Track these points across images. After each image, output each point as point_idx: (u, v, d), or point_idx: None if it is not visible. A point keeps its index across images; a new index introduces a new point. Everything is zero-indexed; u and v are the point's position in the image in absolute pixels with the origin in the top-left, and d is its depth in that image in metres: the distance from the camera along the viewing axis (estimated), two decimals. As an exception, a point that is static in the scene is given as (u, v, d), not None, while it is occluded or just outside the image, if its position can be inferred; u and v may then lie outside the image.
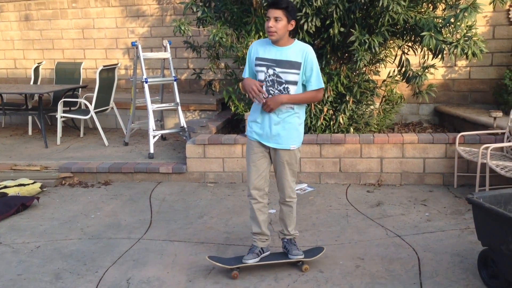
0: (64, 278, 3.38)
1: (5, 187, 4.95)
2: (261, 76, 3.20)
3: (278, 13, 3.06)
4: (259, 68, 3.21)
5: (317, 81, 3.20)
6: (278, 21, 3.07)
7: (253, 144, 3.32)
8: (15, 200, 4.67)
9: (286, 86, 3.16)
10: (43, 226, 4.30)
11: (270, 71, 3.17)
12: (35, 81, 7.77)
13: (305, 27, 5.16)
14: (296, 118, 3.25)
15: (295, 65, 3.14)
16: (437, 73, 6.60)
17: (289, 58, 3.14)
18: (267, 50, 3.19)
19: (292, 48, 3.16)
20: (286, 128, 3.23)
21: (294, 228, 3.45)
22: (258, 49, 3.24)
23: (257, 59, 3.22)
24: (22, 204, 4.65)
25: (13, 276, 3.41)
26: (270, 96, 3.18)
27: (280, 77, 3.15)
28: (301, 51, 3.15)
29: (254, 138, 3.31)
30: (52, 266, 3.56)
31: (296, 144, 3.28)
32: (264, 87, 3.18)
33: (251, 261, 3.33)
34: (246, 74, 3.34)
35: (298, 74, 3.15)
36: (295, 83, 3.16)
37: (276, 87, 3.17)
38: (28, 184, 5.03)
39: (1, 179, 5.28)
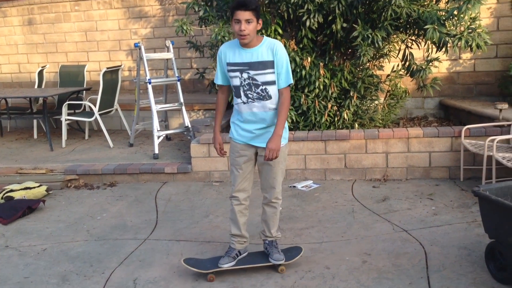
0: (71, 280, 3.39)
1: (11, 190, 4.97)
2: (236, 82, 3.10)
3: (248, 15, 2.92)
4: (232, 74, 3.10)
5: (286, 77, 3.07)
6: (249, 23, 2.94)
7: (237, 146, 3.23)
8: (21, 203, 4.69)
9: (264, 87, 3.06)
10: (49, 229, 4.31)
11: (245, 75, 3.07)
12: (40, 85, 7.80)
13: (308, 23, 5.15)
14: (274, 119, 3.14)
15: (268, 65, 3.03)
16: (442, 66, 6.56)
17: (260, 59, 3.02)
18: (237, 53, 3.07)
19: (262, 47, 3.04)
20: (272, 124, 3.13)
21: (276, 230, 3.38)
22: (227, 53, 3.11)
23: (229, 64, 3.11)
24: (28, 207, 4.66)
25: (20, 279, 3.42)
26: (251, 111, 3.10)
27: (255, 80, 3.06)
28: (271, 49, 3.03)
29: (238, 140, 3.23)
30: (59, 268, 3.57)
31: (284, 140, 3.15)
32: (241, 91, 3.09)
33: (227, 265, 3.27)
34: (218, 80, 3.22)
35: (273, 73, 3.05)
36: (273, 82, 3.06)
37: (253, 90, 3.07)
38: (34, 187, 5.05)
39: (7, 183, 5.30)
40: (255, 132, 3.16)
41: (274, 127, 3.09)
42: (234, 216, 3.32)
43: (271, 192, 3.25)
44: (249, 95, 3.10)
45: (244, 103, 3.12)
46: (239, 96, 3.14)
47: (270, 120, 3.14)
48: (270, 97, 3.09)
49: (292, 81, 3.12)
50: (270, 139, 3.04)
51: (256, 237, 3.73)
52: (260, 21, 3.02)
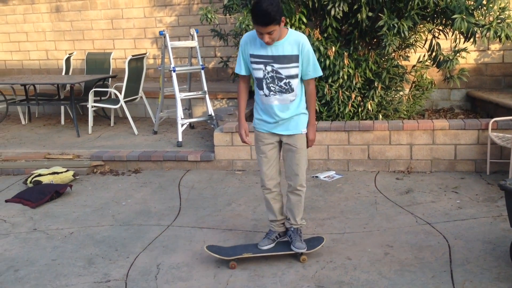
0: (96, 263, 3.47)
1: (40, 175, 5.09)
2: (259, 74, 3.10)
3: (269, 28, 2.88)
4: (255, 66, 3.10)
5: (315, 70, 3.11)
6: (272, 33, 2.91)
7: (261, 135, 3.28)
8: (49, 187, 4.80)
9: (287, 81, 3.07)
10: (76, 213, 4.41)
11: (269, 68, 3.06)
12: (67, 72, 7.93)
13: (332, 12, 5.10)
14: (300, 102, 3.18)
15: (293, 59, 3.04)
16: (469, 57, 6.44)
17: (286, 53, 3.02)
18: (261, 45, 3.05)
19: (287, 41, 3.02)
20: (294, 114, 3.17)
21: (301, 218, 3.41)
22: (250, 44, 3.09)
23: (252, 56, 3.09)
24: (56, 191, 4.77)
25: (48, 261, 3.52)
26: (278, 105, 3.12)
27: (279, 73, 3.06)
28: (297, 43, 3.02)
29: (261, 129, 3.27)
30: (85, 251, 3.66)
31: (301, 130, 3.22)
32: (264, 83, 3.10)
33: (266, 247, 3.36)
34: (241, 70, 3.20)
35: (298, 67, 3.06)
36: (296, 76, 3.09)
37: (276, 83, 3.09)
38: (62, 172, 5.16)
39: (36, 167, 5.44)
40: (277, 121, 3.19)
41: (296, 116, 3.18)
42: (268, 204, 3.40)
43: (295, 180, 3.27)
44: (272, 88, 3.11)
45: (266, 95, 3.15)
46: (261, 88, 3.15)
47: (291, 111, 3.17)
48: (292, 90, 3.12)
49: (321, 73, 3.15)
50: (309, 130, 3.22)
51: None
52: (283, 19, 2.95)
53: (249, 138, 3.34)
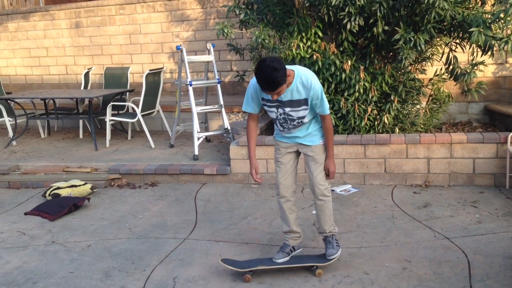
0: (113, 276, 3.49)
1: (58, 188, 5.16)
2: (272, 115, 3.25)
3: (276, 91, 2.97)
4: (268, 108, 3.23)
5: (322, 107, 3.17)
6: (280, 92, 3.01)
7: (280, 144, 3.40)
8: (67, 200, 4.86)
9: (299, 121, 3.22)
10: (94, 226, 4.45)
11: (280, 110, 3.19)
12: (85, 86, 8.06)
13: (348, 26, 5.12)
14: (315, 122, 3.31)
15: (301, 102, 3.13)
16: (487, 71, 6.39)
17: (295, 98, 3.11)
18: None
19: (295, 87, 3.09)
20: (312, 131, 3.32)
21: (330, 226, 3.41)
22: (260, 90, 3.14)
23: (263, 99, 3.21)
24: (74, 204, 4.83)
25: (65, 274, 3.55)
26: (297, 139, 3.31)
27: (290, 115, 3.19)
28: (304, 88, 3.09)
29: (281, 140, 3.40)
30: (102, 264, 3.68)
31: (318, 142, 3.33)
32: (277, 122, 3.28)
33: (281, 260, 3.37)
34: (249, 108, 3.26)
35: (307, 109, 3.17)
36: (305, 116, 3.20)
37: (289, 123, 3.24)
38: (80, 185, 5.22)
39: (54, 181, 5.51)
40: (295, 137, 3.35)
41: (314, 131, 3.31)
42: (283, 214, 3.43)
43: (318, 189, 3.31)
44: (285, 126, 3.28)
45: (281, 130, 3.34)
46: (276, 125, 3.34)
47: (309, 129, 3.31)
48: (304, 123, 3.27)
49: (327, 112, 3.20)
50: (327, 164, 3.29)
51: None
52: (288, 74, 2.99)
53: (259, 176, 3.37)
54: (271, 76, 2.86)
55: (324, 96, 3.17)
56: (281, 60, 2.96)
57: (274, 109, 3.20)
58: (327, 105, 3.19)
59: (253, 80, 3.18)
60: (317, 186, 3.30)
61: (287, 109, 3.16)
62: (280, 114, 3.21)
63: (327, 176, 3.31)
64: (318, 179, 3.30)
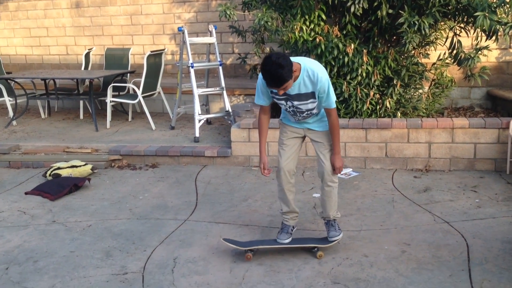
0: (114, 255, 3.51)
1: (58, 168, 5.16)
2: (282, 107, 3.31)
3: (282, 87, 2.96)
4: (277, 101, 3.25)
5: (328, 101, 3.14)
6: (286, 87, 2.98)
7: (287, 128, 3.40)
8: (67, 181, 4.86)
9: (308, 112, 3.22)
10: (94, 206, 4.46)
11: (289, 103, 3.20)
12: (86, 67, 8.01)
13: (352, 9, 5.07)
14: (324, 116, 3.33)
15: (309, 96, 3.13)
16: (491, 56, 6.34)
17: (302, 91, 3.11)
18: None
19: (302, 80, 3.08)
20: (320, 117, 3.34)
21: (335, 211, 3.43)
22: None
23: (272, 92, 3.20)
24: (74, 184, 4.83)
25: (66, 253, 3.57)
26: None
27: (299, 108, 3.20)
28: (311, 81, 3.07)
29: (288, 123, 3.40)
30: (103, 244, 3.70)
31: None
32: (288, 114, 3.34)
33: (287, 241, 3.41)
34: (260, 101, 3.26)
35: (315, 101, 3.16)
36: (315, 107, 3.21)
37: (298, 114, 3.26)
38: (80, 166, 5.22)
39: (55, 161, 5.51)
40: (303, 123, 3.37)
41: (323, 118, 3.30)
42: (282, 195, 3.44)
43: (328, 175, 3.30)
44: (295, 117, 3.31)
45: (291, 120, 3.38)
46: (287, 113, 3.38)
47: (319, 116, 3.32)
48: (314, 114, 3.28)
49: (334, 105, 3.17)
50: (333, 159, 3.27)
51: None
52: (294, 68, 2.97)
53: (267, 172, 3.37)
54: (277, 73, 2.86)
55: (332, 90, 3.13)
56: (287, 56, 2.92)
57: (283, 102, 3.22)
58: (333, 98, 3.14)
59: (261, 75, 3.15)
60: (327, 172, 3.29)
61: (295, 102, 3.17)
62: (290, 107, 3.22)
63: (333, 171, 3.30)
64: (327, 165, 3.29)
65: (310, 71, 3.07)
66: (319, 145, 3.33)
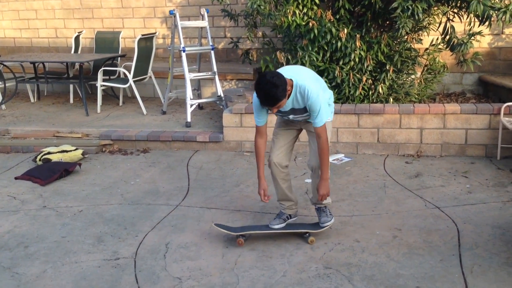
0: (106, 241, 3.49)
1: (49, 153, 5.11)
2: (280, 119, 3.34)
3: (276, 106, 2.96)
4: (276, 114, 3.24)
5: (319, 120, 3.05)
6: (280, 106, 2.98)
7: (281, 119, 3.35)
8: (58, 165, 4.82)
9: (307, 119, 3.21)
10: (85, 191, 4.43)
11: (289, 116, 3.22)
12: (76, 50, 7.90)
13: (345, -7, 5.02)
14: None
15: (303, 110, 3.12)
16: (483, 41, 6.33)
17: (296, 106, 3.11)
18: None
19: (294, 97, 3.05)
20: None
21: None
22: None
23: (269, 109, 3.12)
24: (65, 169, 4.79)
25: (57, 238, 3.55)
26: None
27: (298, 119, 3.23)
28: (302, 98, 3.04)
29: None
30: (94, 229, 3.68)
31: (330, 117, 3.29)
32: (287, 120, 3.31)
33: (277, 226, 3.39)
34: (260, 122, 3.21)
35: (310, 114, 3.13)
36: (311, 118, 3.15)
37: (296, 122, 3.29)
38: (71, 151, 5.18)
39: (45, 145, 5.45)
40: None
41: None
42: (276, 184, 3.39)
43: (316, 163, 3.25)
44: (294, 121, 3.31)
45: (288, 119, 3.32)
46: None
47: None
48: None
49: (322, 124, 3.06)
50: (319, 185, 3.18)
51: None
52: (288, 86, 2.95)
53: (267, 199, 3.32)
54: (270, 92, 2.87)
55: (324, 108, 3.05)
56: (281, 75, 2.92)
57: (280, 114, 3.26)
58: (323, 117, 3.05)
59: (255, 100, 3.15)
60: (318, 163, 3.22)
61: (291, 116, 3.20)
62: (289, 118, 3.25)
63: (317, 198, 3.24)
64: (316, 154, 3.22)
65: (302, 88, 3.03)
66: (312, 135, 3.25)
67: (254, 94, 3.07)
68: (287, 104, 3.10)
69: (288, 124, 3.35)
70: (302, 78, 3.05)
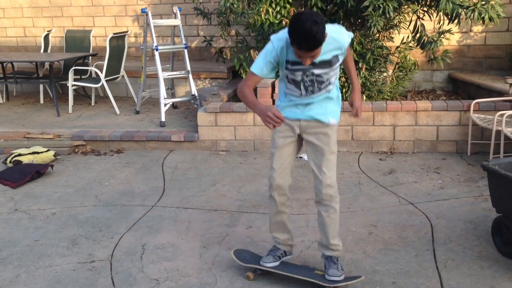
0: (80, 243, 3.44)
1: (20, 154, 4.99)
2: (297, 78, 2.63)
3: (314, 52, 2.42)
4: (294, 71, 2.62)
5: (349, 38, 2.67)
6: (315, 55, 2.46)
7: (283, 126, 2.72)
8: (29, 167, 4.72)
9: (328, 82, 2.65)
10: (58, 193, 4.35)
11: (308, 73, 2.60)
12: (45, 49, 7.74)
13: (318, -8, 5.05)
14: (335, 89, 2.75)
15: (334, 61, 2.60)
16: (452, 39, 6.47)
17: (326, 58, 2.57)
18: None
19: (326, 42, 2.47)
20: (325, 100, 2.72)
21: (338, 239, 2.82)
22: (287, 50, 2.57)
23: (289, 62, 2.60)
24: (37, 171, 4.69)
25: (30, 242, 3.47)
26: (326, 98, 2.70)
27: (321, 77, 2.62)
28: (335, 40, 2.56)
29: (288, 116, 2.74)
30: (68, 232, 3.62)
31: (336, 118, 2.75)
32: (301, 85, 2.65)
33: (269, 264, 2.89)
34: (264, 73, 2.61)
35: (338, 68, 2.66)
36: (336, 77, 2.71)
37: (316, 85, 2.64)
38: (42, 152, 5.07)
39: (15, 147, 5.33)
40: (312, 108, 2.74)
41: (326, 99, 2.72)
42: (275, 213, 2.87)
43: (326, 191, 2.71)
44: (310, 89, 2.66)
45: (302, 94, 2.69)
46: (298, 88, 2.68)
47: (330, 94, 2.73)
48: (331, 88, 2.71)
49: (351, 38, 2.70)
50: (353, 97, 2.82)
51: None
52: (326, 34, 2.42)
53: (279, 123, 2.50)
54: (312, 31, 2.30)
55: (345, 30, 2.66)
56: (321, 14, 2.44)
57: (300, 73, 2.60)
58: (349, 34, 2.68)
59: (280, 35, 2.59)
60: (325, 187, 2.67)
61: (317, 71, 2.59)
62: (307, 76, 2.60)
63: (355, 115, 2.78)
64: (327, 177, 2.67)
65: (331, 31, 2.54)
66: (316, 149, 2.72)
67: (275, 37, 2.58)
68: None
69: (287, 129, 2.76)
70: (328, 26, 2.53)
